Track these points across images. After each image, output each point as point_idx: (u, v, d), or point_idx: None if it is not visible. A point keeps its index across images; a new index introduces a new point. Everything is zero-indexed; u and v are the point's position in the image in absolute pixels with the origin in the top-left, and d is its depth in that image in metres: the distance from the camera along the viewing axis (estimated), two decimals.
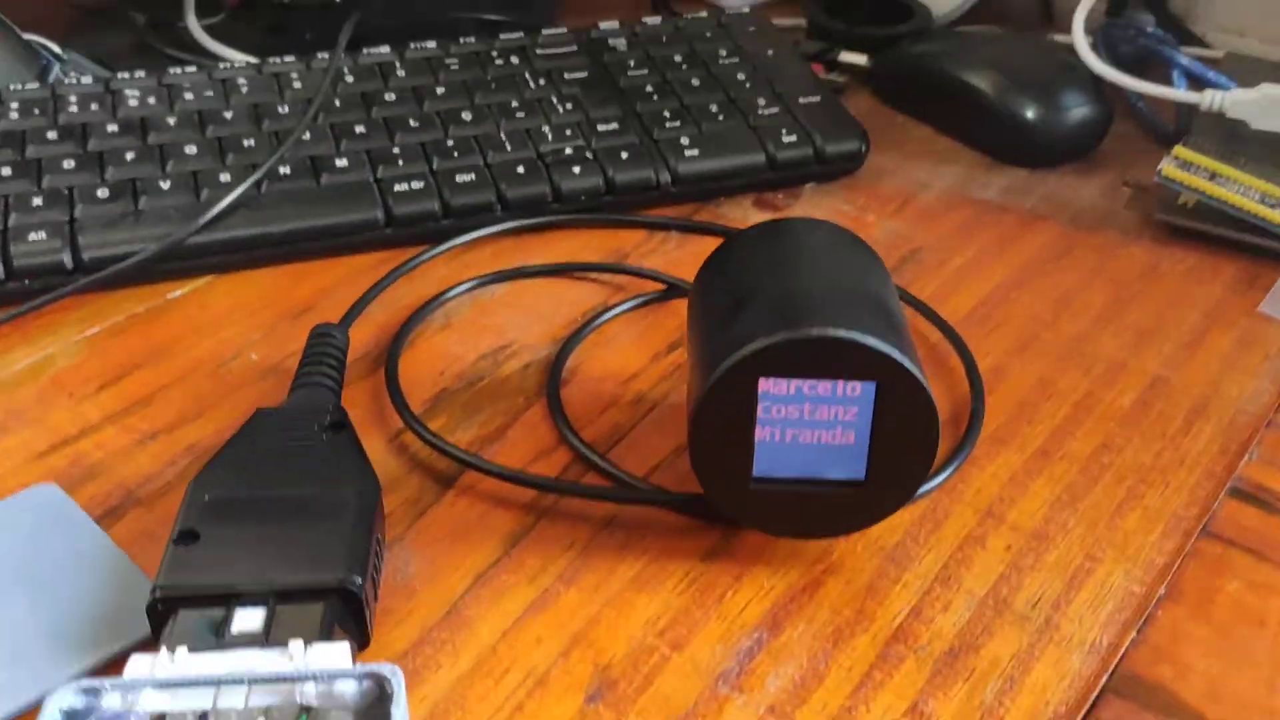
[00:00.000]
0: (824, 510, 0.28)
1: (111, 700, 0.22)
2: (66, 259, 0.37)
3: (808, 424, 0.27)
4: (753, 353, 0.26)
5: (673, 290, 0.38)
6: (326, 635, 0.24)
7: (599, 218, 0.41)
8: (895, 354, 0.25)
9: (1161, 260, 0.40)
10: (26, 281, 0.37)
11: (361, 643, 0.26)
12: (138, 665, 0.23)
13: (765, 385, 0.26)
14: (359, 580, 0.25)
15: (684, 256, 0.40)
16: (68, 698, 0.22)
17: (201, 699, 0.23)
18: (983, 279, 0.39)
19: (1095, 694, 0.25)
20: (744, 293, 0.27)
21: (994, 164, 0.46)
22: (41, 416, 0.33)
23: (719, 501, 0.28)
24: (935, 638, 0.27)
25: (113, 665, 0.25)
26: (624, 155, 0.42)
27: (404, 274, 0.38)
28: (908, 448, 0.27)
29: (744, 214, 0.42)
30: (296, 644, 0.24)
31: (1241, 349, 0.35)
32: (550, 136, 0.43)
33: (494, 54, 0.47)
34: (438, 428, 0.33)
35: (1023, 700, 0.25)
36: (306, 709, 0.23)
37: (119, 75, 0.44)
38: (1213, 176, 0.40)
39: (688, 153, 0.42)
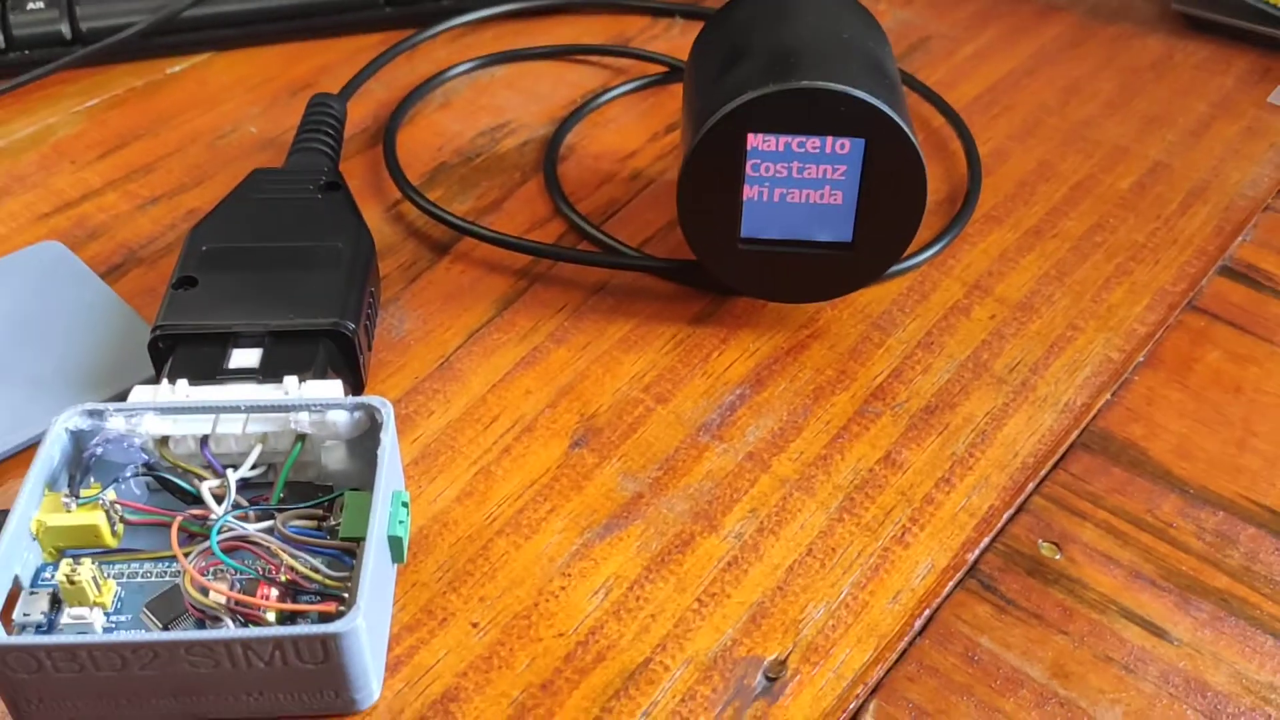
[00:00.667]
0: (811, 273, 0.28)
1: (115, 422, 0.24)
2: (65, 29, 0.37)
3: (796, 183, 0.27)
4: (742, 105, 0.25)
5: (675, 73, 0.37)
6: (320, 374, 0.25)
7: (603, 1, 0.40)
8: (885, 109, 0.25)
9: (1174, 52, 0.39)
10: (26, 52, 0.37)
11: (355, 388, 0.27)
12: (141, 394, 0.24)
13: (754, 141, 0.26)
14: (352, 325, 0.26)
15: (689, 43, 0.39)
16: (74, 419, 0.23)
17: (201, 425, 0.24)
18: (992, 67, 0.38)
19: (1065, 448, 0.26)
20: (738, 49, 0.27)
21: None
22: (44, 181, 0.33)
23: (706, 262, 0.28)
24: (913, 396, 0.27)
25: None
26: None
27: (404, 50, 0.38)
28: (895, 208, 0.27)
29: None
30: (291, 379, 0.25)
31: (1247, 137, 0.35)
32: None
33: None
34: (434, 199, 0.33)
35: (993, 452, 0.26)
36: (301, 436, 0.24)
37: None
38: None
39: None
